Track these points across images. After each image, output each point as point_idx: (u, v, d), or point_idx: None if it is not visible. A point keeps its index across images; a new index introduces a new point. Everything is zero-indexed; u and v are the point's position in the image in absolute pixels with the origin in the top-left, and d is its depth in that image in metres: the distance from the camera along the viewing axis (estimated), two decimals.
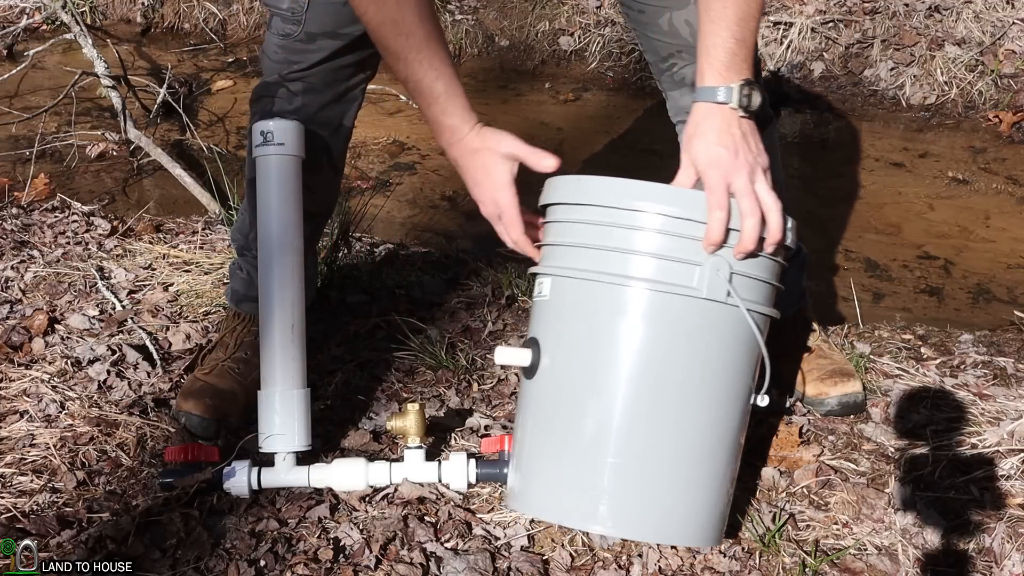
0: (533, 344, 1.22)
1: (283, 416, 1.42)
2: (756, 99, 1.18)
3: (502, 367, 1.77)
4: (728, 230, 1.12)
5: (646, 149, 3.24)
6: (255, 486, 1.40)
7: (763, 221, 1.14)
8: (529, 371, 1.23)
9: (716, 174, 1.15)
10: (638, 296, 1.14)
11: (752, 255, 1.15)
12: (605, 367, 1.17)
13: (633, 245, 1.14)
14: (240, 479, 1.39)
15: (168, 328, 1.88)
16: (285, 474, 1.42)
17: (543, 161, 1.24)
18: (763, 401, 1.21)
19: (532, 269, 1.27)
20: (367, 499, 1.40)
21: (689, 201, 1.14)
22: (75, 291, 2.02)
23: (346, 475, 1.41)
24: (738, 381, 1.20)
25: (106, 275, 2.11)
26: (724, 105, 1.18)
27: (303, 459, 1.43)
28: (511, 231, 1.25)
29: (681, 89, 1.49)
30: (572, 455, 1.18)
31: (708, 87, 1.19)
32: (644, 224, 1.14)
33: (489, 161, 1.25)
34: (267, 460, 1.43)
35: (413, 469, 1.42)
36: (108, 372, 1.70)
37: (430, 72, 1.23)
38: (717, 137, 1.17)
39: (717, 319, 1.15)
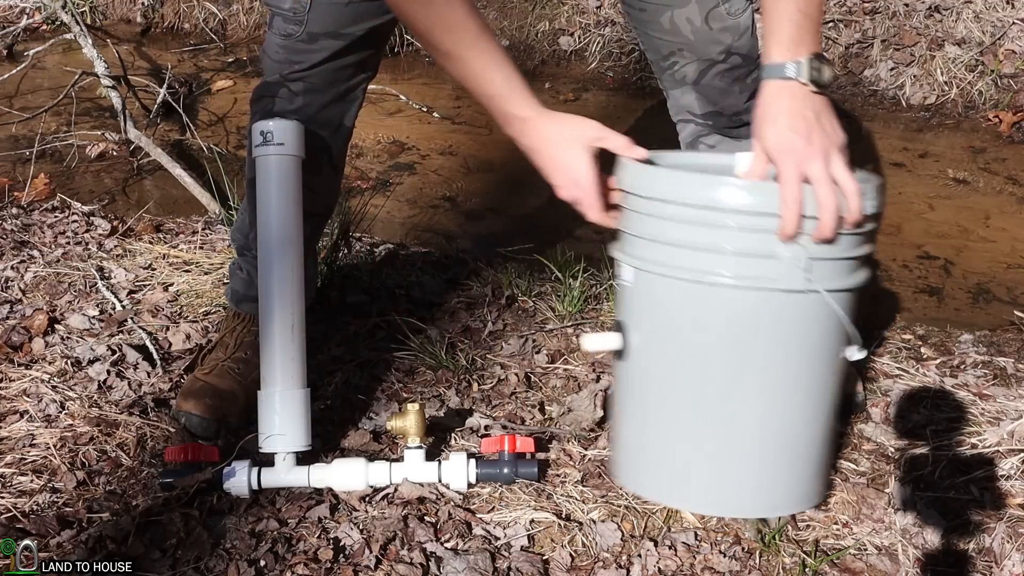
0: (622, 328, 1.25)
1: (283, 416, 1.42)
2: (827, 73, 1.13)
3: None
4: (804, 218, 1.09)
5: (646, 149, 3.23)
6: (255, 486, 1.40)
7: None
8: (620, 354, 1.26)
9: (789, 164, 1.10)
10: (718, 290, 1.14)
11: (831, 241, 1.11)
12: (693, 358, 1.19)
13: (710, 242, 1.13)
14: (240, 479, 1.39)
15: (168, 328, 1.88)
16: (285, 474, 1.42)
17: (634, 151, 1.22)
18: (857, 355, 1.19)
19: (613, 253, 1.26)
20: (367, 499, 1.40)
21: (764, 195, 1.11)
22: (75, 291, 2.02)
23: (346, 475, 1.41)
24: (824, 359, 1.21)
25: (106, 275, 2.11)
26: (793, 81, 1.12)
27: (303, 459, 1.43)
28: (591, 213, 1.23)
29: (682, 88, 1.49)
30: (665, 437, 1.23)
31: (775, 64, 1.13)
32: (720, 223, 1.11)
33: (570, 148, 1.22)
34: (267, 460, 1.43)
35: (413, 469, 1.42)
36: (108, 372, 1.70)
37: (489, 66, 1.20)
38: (789, 122, 1.11)
39: (797, 306, 1.14)
